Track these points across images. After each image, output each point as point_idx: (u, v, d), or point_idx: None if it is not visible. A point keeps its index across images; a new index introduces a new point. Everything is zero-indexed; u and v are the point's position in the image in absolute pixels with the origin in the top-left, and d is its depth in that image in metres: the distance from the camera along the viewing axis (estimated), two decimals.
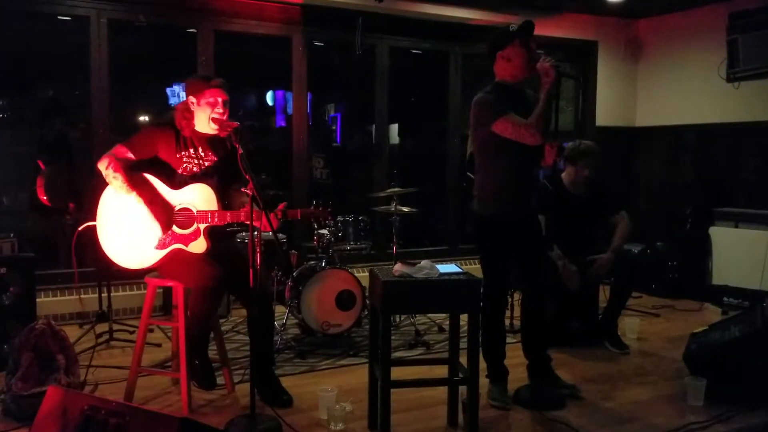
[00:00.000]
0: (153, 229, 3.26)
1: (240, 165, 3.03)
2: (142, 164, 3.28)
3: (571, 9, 6.60)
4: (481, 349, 3.51)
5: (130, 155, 3.23)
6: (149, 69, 6.00)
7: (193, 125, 3.32)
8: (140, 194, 3.21)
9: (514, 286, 4.37)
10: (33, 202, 4.38)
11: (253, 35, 5.70)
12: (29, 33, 5.23)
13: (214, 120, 3.27)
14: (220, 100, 3.27)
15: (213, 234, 3.32)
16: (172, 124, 3.33)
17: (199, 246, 3.28)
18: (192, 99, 3.29)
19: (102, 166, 3.20)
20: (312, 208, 3.48)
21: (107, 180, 3.21)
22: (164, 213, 3.25)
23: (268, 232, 3.24)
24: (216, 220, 3.27)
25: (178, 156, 3.31)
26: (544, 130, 3.26)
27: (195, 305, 3.22)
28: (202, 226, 3.28)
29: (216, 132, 3.31)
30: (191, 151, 3.34)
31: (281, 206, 3.34)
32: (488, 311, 3.52)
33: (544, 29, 6.27)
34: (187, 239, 3.27)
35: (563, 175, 4.47)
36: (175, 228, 3.27)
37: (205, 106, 3.27)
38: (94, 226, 3.32)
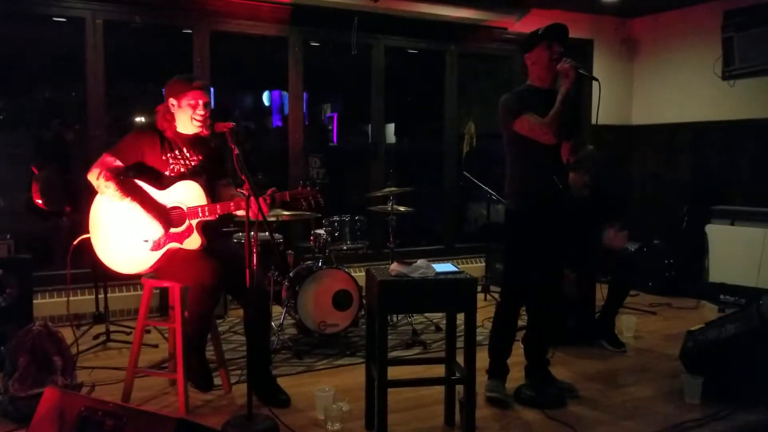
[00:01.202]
0: (146, 232, 3.26)
1: (236, 165, 3.04)
2: (129, 169, 3.29)
3: (567, 7, 6.60)
4: (488, 344, 3.58)
5: (119, 163, 3.24)
6: (145, 70, 5.99)
7: (175, 126, 3.33)
8: (134, 199, 3.21)
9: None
10: (29, 206, 4.38)
11: (249, 36, 5.70)
12: (25, 34, 5.22)
13: (194, 119, 3.29)
14: (201, 102, 3.29)
15: (207, 230, 3.33)
16: (155, 127, 3.34)
17: (193, 242, 3.29)
18: (172, 101, 3.31)
19: (92, 176, 3.20)
20: (300, 188, 3.47)
21: (99, 190, 3.22)
22: (161, 213, 3.25)
23: (265, 232, 3.23)
24: (207, 214, 3.28)
25: (164, 158, 3.32)
26: (561, 129, 3.29)
27: (194, 303, 3.21)
28: (194, 222, 3.28)
29: (199, 131, 3.33)
30: (176, 152, 3.36)
31: (270, 191, 3.32)
32: (504, 307, 3.57)
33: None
34: (181, 237, 3.28)
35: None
36: None
37: (187, 108, 3.29)
38: (89, 238, 3.33)
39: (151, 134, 3.33)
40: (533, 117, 3.33)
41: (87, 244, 3.42)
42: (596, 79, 3.41)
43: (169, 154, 3.33)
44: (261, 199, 3.15)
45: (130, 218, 3.25)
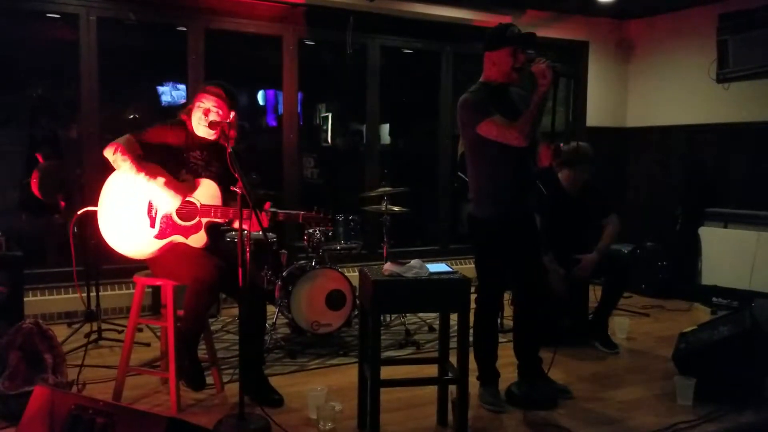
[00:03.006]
0: (158, 203, 3.27)
1: (229, 163, 3.04)
2: (150, 157, 3.29)
3: (562, 9, 6.61)
4: (473, 351, 3.49)
5: (135, 142, 3.25)
6: (139, 67, 5.97)
7: (191, 124, 3.35)
8: (148, 174, 3.21)
9: (507, 287, 4.35)
10: (25, 197, 4.36)
11: (244, 34, 5.68)
12: (17, 31, 5.19)
13: (200, 123, 3.30)
14: (209, 107, 3.28)
15: (212, 231, 3.33)
16: (182, 121, 3.37)
17: (198, 239, 3.29)
18: (195, 100, 3.35)
19: (109, 152, 3.21)
20: (314, 212, 3.46)
21: (114, 165, 3.22)
22: (175, 186, 3.26)
23: (258, 232, 3.22)
24: (218, 215, 3.27)
25: (185, 155, 3.34)
26: (533, 132, 3.19)
27: (191, 301, 3.20)
28: (204, 220, 3.28)
29: (214, 137, 3.33)
30: (197, 153, 3.37)
31: (267, 205, 3.32)
32: (481, 314, 3.49)
33: (535, 30, 6.28)
34: (188, 231, 3.28)
35: (560, 176, 4.43)
36: (177, 219, 3.28)
37: (197, 110, 3.31)
38: (93, 212, 3.33)
39: (179, 129, 3.35)
40: (500, 119, 3.19)
41: (81, 235, 3.40)
42: (574, 77, 3.37)
43: (191, 153, 3.35)
44: (263, 214, 3.16)
45: (140, 201, 3.25)
